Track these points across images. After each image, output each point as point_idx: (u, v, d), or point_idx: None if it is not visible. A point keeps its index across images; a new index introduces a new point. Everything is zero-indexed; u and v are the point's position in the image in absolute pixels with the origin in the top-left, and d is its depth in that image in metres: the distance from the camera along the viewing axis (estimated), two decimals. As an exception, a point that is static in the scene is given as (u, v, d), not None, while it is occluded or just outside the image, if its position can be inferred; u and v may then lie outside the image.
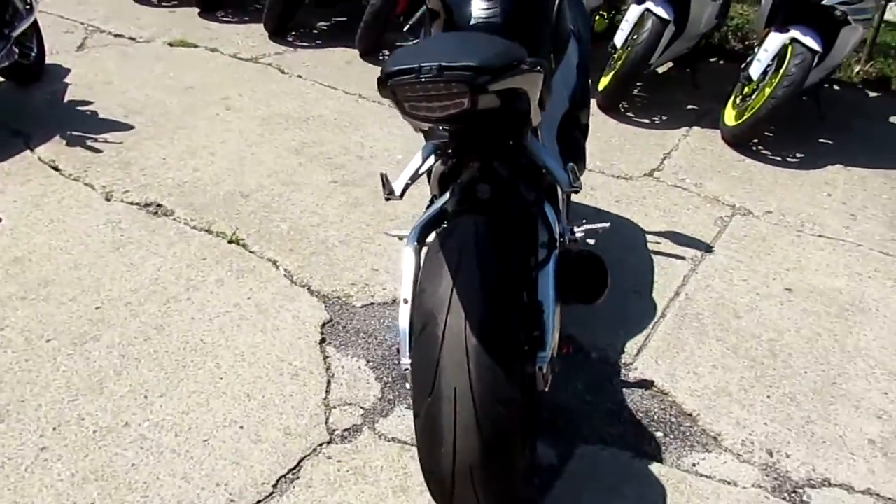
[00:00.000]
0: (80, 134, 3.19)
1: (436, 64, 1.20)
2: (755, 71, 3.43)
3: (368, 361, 2.09)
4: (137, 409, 1.87)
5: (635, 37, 3.61)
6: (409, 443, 1.83)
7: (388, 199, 1.70)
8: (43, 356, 2.03)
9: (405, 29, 2.31)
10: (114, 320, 2.16)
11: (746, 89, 3.54)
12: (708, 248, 2.71)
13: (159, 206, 2.74)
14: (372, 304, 2.32)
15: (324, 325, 2.21)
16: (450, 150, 1.66)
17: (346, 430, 1.86)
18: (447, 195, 1.68)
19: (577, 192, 1.63)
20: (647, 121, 3.74)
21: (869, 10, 3.38)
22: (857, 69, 4.63)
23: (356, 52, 4.38)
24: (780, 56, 3.39)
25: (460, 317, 1.31)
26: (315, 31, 4.76)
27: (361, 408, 1.93)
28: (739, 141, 3.51)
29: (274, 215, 2.73)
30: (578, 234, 1.85)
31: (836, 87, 4.41)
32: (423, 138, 2.16)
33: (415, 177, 1.69)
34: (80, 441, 1.77)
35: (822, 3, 3.24)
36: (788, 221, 2.94)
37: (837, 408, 2.04)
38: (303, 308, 2.26)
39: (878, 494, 1.79)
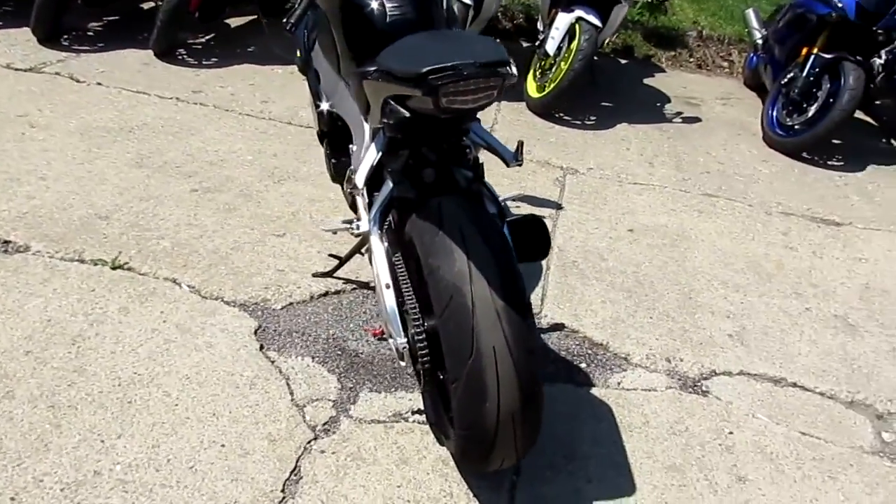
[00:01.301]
0: None
1: (472, 62, 1.35)
2: (551, 48, 3.90)
3: (313, 358, 2.13)
4: (100, 456, 1.74)
5: None
6: (388, 420, 1.94)
7: (351, 193, 1.78)
8: (-50, 427, 1.77)
9: (287, 28, 2.30)
10: (20, 373, 1.94)
11: (545, 64, 4.01)
12: (558, 206, 3.11)
13: (6, 242, 2.44)
14: (291, 304, 2.34)
15: (255, 332, 2.19)
16: (403, 139, 1.79)
17: (325, 423, 1.91)
18: (389, 184, 1.80)
19: (520, 165, 1.86)
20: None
21: (631, -10, 4.03)
22: (607, 41, 5.41)
23: (149, 53, 4.13)
24: (569, 33, 3.89)
25: (483, 284, 1.47)
26: (91, 34, 4.37)
27: (329, 400, 1.99)
28: (546, 110, 3.98)
29: (147, 233, 2.57)
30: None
31: (595, 58, 5.12)
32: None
33: (374, 167, 1.79)
34: (50, 502, 1.62)
35: (600, -15, 3.79)
36: (608, 175, 3.45)
37: (699, 316, 2.53)
38: (227, 320, 2.22)
39: (748, 373, 2.30)
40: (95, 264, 2.38)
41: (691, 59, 5.61)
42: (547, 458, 1.88)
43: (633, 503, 1.79)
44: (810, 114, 3.88)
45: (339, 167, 2.30)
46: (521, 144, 1.84)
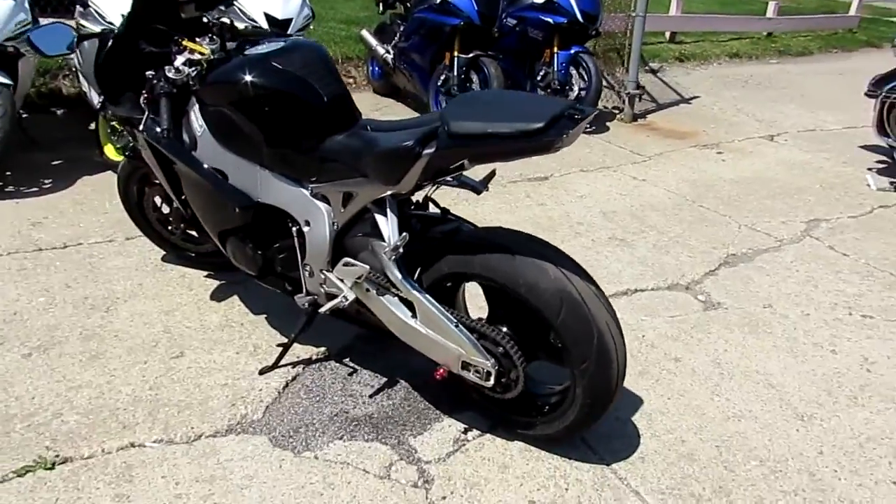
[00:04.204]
0: None
1: (570, 108, 1.63)
2: None
3: (341, 438, 2.12)
4: None
5: None
6: (457, 448, 2.10)
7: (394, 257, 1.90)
8: None
9: (156, 133, 2.06)
10: None
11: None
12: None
13: None
14: (268, 407, 2.23)
15: (272, 444, 2.06)
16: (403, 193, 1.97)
17: (418, 479, 1.98)
18: (387, 244, 1.96)
19: (487, 191, 2.17)
20: (36, 189, 3.72)
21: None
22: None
23: None
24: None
25: (578, 279, 1.82)
26: None
27: (401, 461, 2.04)
28: None
29: (36, 419, 2.09)
30: None
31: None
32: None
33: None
34: None
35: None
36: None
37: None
38: (236, 448, 2.03)
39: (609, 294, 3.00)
40: (23, 475, 1.89)
41: (322, 84, 6.13)
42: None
43: (657, 409, 2.32)
44: (474, 103, 4.78)
45: (270, 255, 2.25)
46: (492, 173, 2.15)
